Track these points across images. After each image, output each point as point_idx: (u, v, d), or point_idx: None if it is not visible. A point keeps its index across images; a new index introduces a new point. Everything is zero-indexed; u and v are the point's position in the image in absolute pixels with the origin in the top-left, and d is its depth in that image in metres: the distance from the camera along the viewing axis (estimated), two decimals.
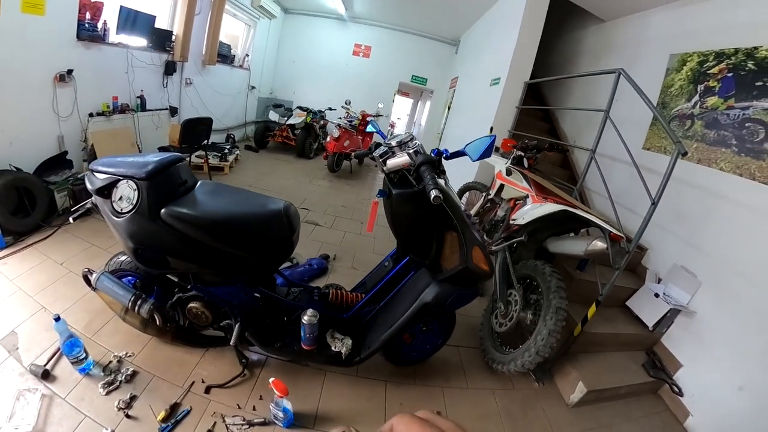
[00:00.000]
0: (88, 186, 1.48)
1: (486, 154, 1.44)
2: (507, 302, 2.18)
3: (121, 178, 1.41)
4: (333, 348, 1.67)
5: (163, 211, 1.37)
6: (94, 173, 1.47)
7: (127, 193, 1.40)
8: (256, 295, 1.65)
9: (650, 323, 2.47)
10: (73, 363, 1.60)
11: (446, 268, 1.58)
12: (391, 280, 1.81)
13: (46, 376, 1.55)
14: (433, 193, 1.21)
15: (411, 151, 1.45)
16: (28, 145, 3.00)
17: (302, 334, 1.61)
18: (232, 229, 1.43)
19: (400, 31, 7.61)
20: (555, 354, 2.11)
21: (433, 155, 1.46)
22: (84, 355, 1.61)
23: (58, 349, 1.64)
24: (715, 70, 2.61)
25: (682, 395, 2.30)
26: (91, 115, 3.58)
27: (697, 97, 2.73)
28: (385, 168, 1.50)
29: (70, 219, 1.78)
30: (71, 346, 1.56)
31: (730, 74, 2.50)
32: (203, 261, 1.48)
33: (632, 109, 3.12)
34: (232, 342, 1.61)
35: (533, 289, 2.16)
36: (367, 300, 1.81)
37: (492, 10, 5.10)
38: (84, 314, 1.93)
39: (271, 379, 1.49)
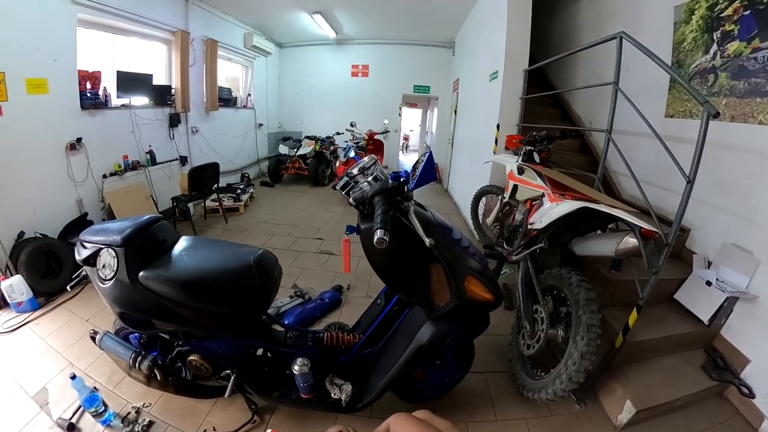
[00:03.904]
0: (77, 257, 1.52)
1: (427, 176, 1.26)
2: (533, 320, 1.93)
3: (102, 246, 1.44)
4: (333, 395, 1.55)
5: (141, 274, 1.38)
6: (82, 244, 1.51)
7: (108, 261, 1.42)
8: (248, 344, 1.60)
9: (705, 317, 2.13)
10: (93, 416, 1.68)
11: (438, 305, 1.41)
12: (387, 318, 1.67)
13: (71, 429, 1.63)
14: (377, 234, 1.05)
15: (370, 179, 1.32)
16: (50, 211, 3.21)
17: (297, 383, 1.50)
18: (201, 287, 1.38)
19: (393, 44, 7.57)
20: (596, 369, 1.85)
21: (390, 180, 1.31)
22: (103, 408, 1.69)
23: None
24: (729, 11, 2.29)
25: (753, 396, 1.94)
26: (104, 176, 3.79)
27: (715, 47, 2.41)
28: (351, 201, 1.36)
29: (68, 287, 1.81)
30: (90, 401, 1.66)
31: (747, 12, 2.18)
32: (184, 320, 1.44)
33: (645, 77, 2.85)
34: (226, 395, 1.57)
35: (562, 301, 1.90)
36: (365, 341, 1.67)
37: (479, 3, 4.95)
38: (106, 368, 2.00)
39: (268, 431, 1.52)
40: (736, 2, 2.24)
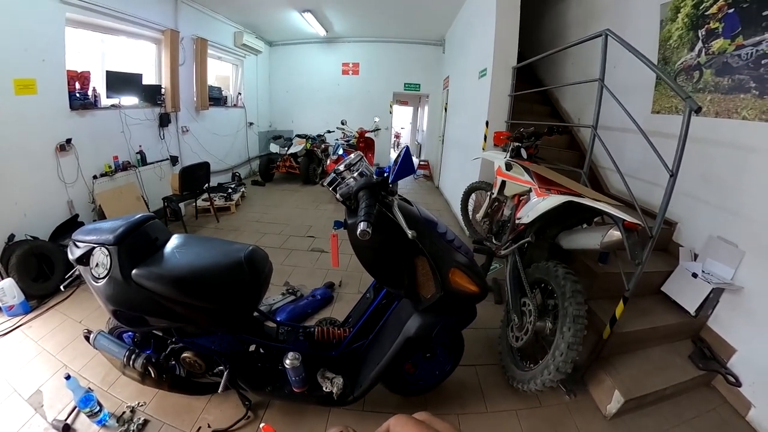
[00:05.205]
0: (70, 256, 1.53)
1: (404, 170, 1.28)
2: (521, 313, 1.96)
3: (95, 245, 1.45)
4: (324, 388, 1.57)
5: (134, 272, 1.39)
6: (75, 243, 1.52)
7: (101, 260, 1.43)
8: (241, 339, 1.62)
9: (692, 308, 2.18)
10: (88, 416, 1.67)
11: (425, 297, 1.44)
12: (376, 312, 1.69)
13: (66, 430, 1.64)
14: (360, 227, 1.09)
15: (355, 174, 1.35)
16: (41, 213, 3.18)
17: (289, 377, 1.53)
18: (193, 283, 1.39)
19: (383, 42, 7.57)
20: (585, 361, 1.89)
21: (375, 175, 1.34)
22: (98, 408, 1.69)
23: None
24: (713, 9, 2.35)
25: (740, 385, 1.98)
26: (95, 177, 3.76)
27: (700, 44, 2.46)
28: (338, 196, 1.38)
29: (61, 287, 1.82)
30: (85, 401, 1.65)
31: (731, 10, 2.23)
32: (177, 316, 1.45)
33: (633, 74, 2.90)
34: (219, 390, 1.58)
35: (550, 294, 1.93)
36: (355, 335, 1.70)
37: (468, 0, 4.98)
38: (100, 368, 2.00)
39: (261, 425, 1.52)
40: (721, 0, 2.29)
